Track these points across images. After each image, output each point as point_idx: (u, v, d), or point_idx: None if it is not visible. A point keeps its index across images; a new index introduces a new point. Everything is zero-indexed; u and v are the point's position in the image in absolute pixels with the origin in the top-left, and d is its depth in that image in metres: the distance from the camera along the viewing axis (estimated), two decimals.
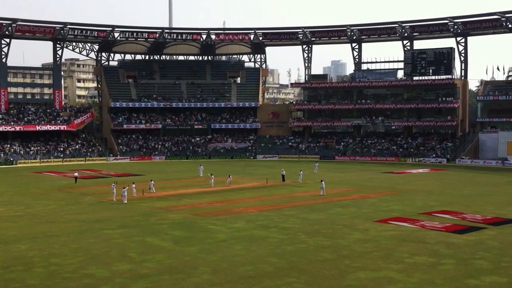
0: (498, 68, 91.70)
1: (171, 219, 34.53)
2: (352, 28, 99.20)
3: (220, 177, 55.47)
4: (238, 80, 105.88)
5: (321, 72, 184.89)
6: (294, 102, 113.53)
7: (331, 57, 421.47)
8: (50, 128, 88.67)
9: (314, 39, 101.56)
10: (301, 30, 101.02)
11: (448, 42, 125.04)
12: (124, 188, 41.71)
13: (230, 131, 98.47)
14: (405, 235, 29.53)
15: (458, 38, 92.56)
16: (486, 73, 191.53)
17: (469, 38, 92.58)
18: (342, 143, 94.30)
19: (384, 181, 58.16)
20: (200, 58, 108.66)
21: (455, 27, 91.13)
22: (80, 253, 25.72)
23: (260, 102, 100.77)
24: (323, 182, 46.57)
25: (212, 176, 52.94)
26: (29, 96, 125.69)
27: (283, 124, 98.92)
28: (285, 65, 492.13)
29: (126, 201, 40.82)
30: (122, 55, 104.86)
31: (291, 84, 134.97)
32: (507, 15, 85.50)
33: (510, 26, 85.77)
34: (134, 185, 45.74)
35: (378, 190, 49.60)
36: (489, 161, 77.97)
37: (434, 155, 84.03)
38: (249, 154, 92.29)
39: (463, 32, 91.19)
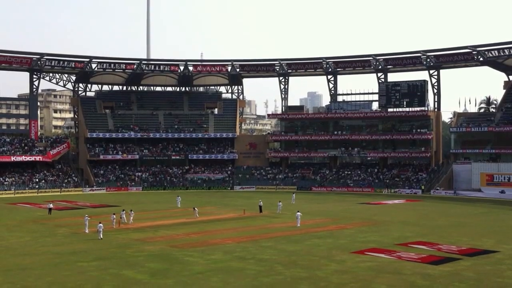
0: (469, 101, 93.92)
1: (147, 251, 34.24)
2: (328, 60, 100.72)
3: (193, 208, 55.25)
4: (216, 111, 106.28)
5: (297, 103, 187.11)
6: (271, 133, 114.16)
7: (307, 89, 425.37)
8: (25, 159, 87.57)
9: (290, 71, 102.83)
10: (277, 62, 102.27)
11: (421, 75, 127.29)
12: (100, 223, 39.88)
13: (207, 162, 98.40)
14: (382, 266, 29.72)
15: (431, 71, 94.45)
16: (459, 105, 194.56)
17: (441, 71, 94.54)
18: (319, 174, 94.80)
19: (360, 212, 58.53)
20: (178, 89, 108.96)
21: (428, 60, 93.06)
22: (54, 286, 25.40)
23: (237, 133, 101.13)
24: (299, 213, 46.76)
25: (130, 212, 48.41)
26: (4, 127, 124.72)
27: (260, 155, 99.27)
28: (262, 96, 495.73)
29: (101, 237, 38.92)
30: (100, 85, 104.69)
31: (268, 115, 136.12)
32: (478, 49, 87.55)
33: (481, 59, 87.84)
34: (114, 216, 45.18)
35: (354, 221, 49.85)
36: (463, 192, 78.92)
37: (408, 186, 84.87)
38: (227, 185, 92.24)
39: (436, 65, 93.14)
